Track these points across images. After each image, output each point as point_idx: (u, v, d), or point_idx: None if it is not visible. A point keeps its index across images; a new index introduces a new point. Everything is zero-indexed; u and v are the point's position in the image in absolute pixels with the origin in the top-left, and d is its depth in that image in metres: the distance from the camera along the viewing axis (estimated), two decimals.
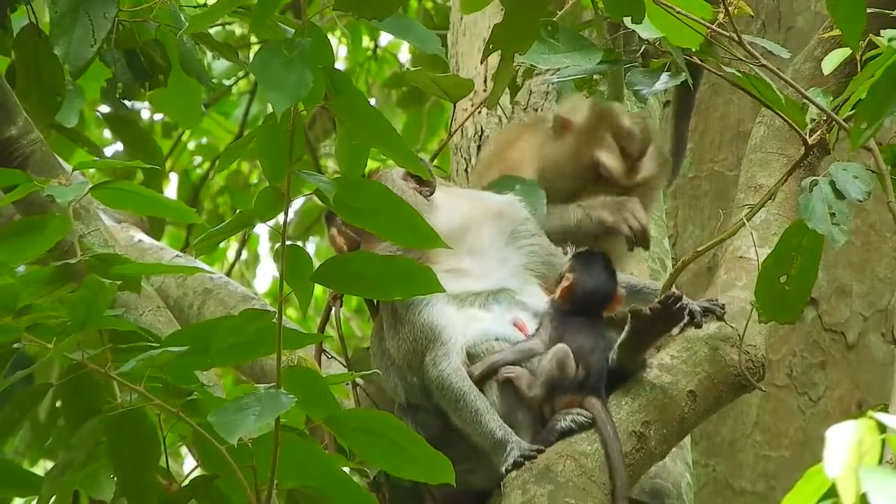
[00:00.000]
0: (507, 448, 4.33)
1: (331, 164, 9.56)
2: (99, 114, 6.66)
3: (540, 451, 4.32)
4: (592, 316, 4.53)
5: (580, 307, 4.52)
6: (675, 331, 4.50)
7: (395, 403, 4.65)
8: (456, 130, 5.69)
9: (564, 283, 4.54)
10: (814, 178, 4.30)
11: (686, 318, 4.47)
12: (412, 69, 5.38)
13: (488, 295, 4.59)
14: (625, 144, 4.95)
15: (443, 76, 5.33)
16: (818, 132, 4.47)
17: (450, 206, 4.70)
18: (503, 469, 4.32)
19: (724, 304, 4.54)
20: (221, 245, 9.55)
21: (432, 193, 4.70)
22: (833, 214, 4.20)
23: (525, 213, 4.73)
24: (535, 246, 4.69)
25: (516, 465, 4.30)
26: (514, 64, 4.51)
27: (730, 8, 4.29)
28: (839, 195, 4.23)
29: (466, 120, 5.67)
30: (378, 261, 3.61)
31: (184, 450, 5.67)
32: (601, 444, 4.31)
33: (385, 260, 3.63)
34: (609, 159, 4.94)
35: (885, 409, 4.28)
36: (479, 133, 5.76)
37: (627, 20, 4.09)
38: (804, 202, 4.23)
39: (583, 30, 4.74)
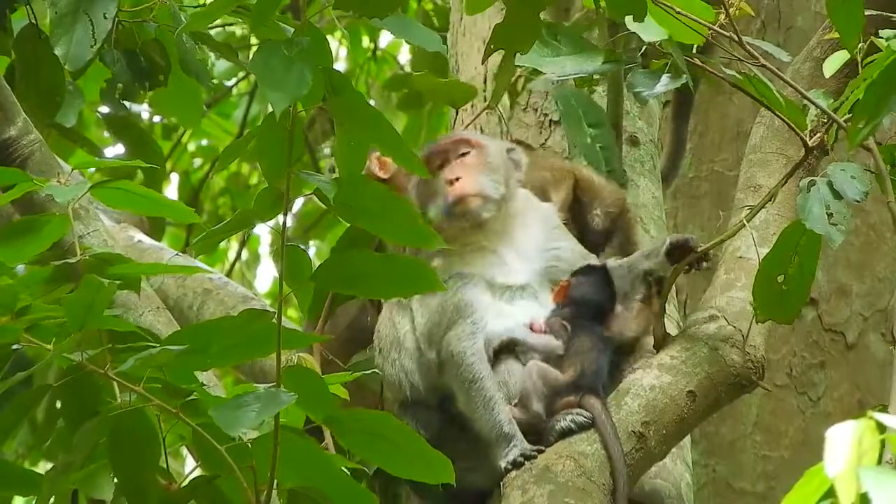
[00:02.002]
0: (510, 444, 4.34)
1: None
2: (99, 114, 6.65)
3: (540, 452, 4.33)
4: (593, 322, 4.54)
5: (578, 312, 4.53)
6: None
7: (396, 403, 4.66)
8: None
9: (562, 286, 4.58)
10: (811, 178, 4.30)
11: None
12: (417, 73, 5.38)
13: (517, 289, 4.61)
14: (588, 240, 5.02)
15: (447, 81, 5.33)
16: (818, 134, 4.47)
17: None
18: (502, 465, 4.32)
19: None
20: (221, 245, 9.55)
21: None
22: (831, 215, 4.20)
23: (557, 221, 4.76)
24: (561, 251, 4.70)
25: (515, 465, 4.31)
26: (516, 68, 4.52)
27: (731, 9, 4.29)
28: (837, 195, 4.23)
29: (471, 123, 5.67)
30: (378, 260, 3.61)
31: (184, 450, 5.67)
32: (601, 444, 4.31)
33: (385, 259, 3.63)
34: None
35: (884, 409, 4.28)
36: (479, 133, 5.76)
37: (629, 20, 4.09)
38: (802, 203, 4.23)
39: (584, 31, 4.74)
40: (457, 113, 5.51)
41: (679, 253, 4.47)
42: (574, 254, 4.71)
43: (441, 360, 4.50)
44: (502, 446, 4.36)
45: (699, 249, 4.48)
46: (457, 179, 4.58)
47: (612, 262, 4.66)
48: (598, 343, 4.49)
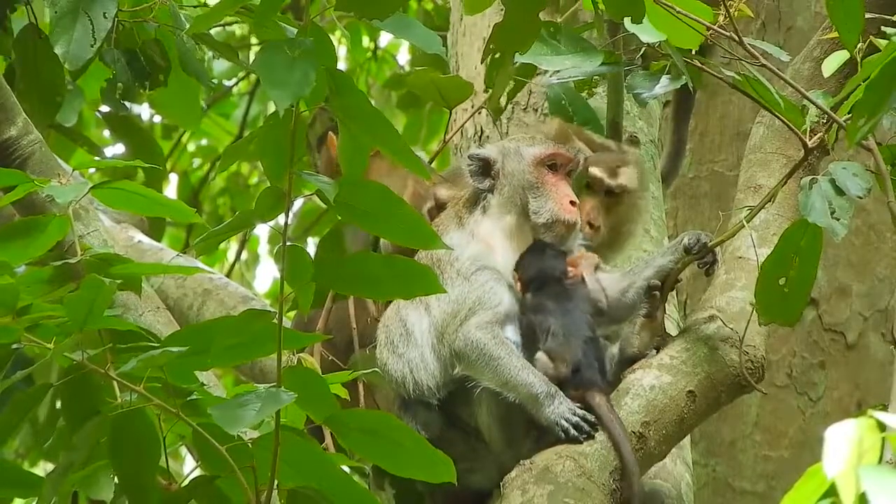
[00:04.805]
0: (555, 400, 4.34)
1: None
2: (99, 114, 6.66)
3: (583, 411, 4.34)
4: (560, 292, 4.52)
5: (540, 288, 4.52)
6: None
7: (395, 404, 4.65)
8: (456, 132, 5.69)
9: (516, 281, 4.57)
10: (813, 176, 4.30)
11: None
12: (413, 71, 5.38)
13: None
14: (600, 153, 4.96)
15: (444, 78, 5.32)
16: (818, 135, 4.47)
17: None
18: (554, 420, 4.31)
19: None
20: (221, 246, 9.55)
21: None
22: (833, 210, 4.21)
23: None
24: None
25: (568, 420, 4.31)
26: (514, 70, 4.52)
27: (731, 10, 4.29)
28: (839, 191, 4.23)
29: (466, 122, 5.67)
30: (379, 261, 3.61)
31: (184, 450, 5.67)
32: (612, 444, 4.29)
33: (386, 260, 3.63)
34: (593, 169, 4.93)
35: (884, 409, 4.28)
36: (479, 133, 5.77)
37: (628, 22, 4.09)
38: (804, 199, 4.23)
39: (583, 31, 4.74)
40: (450, 112, 5.51)
41: (697, 249, 4.51)
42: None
43: (455, 350, 4.48)
44: (546, 404, 4.35)
45: (709, 245, 4.50)
46: (573, 204, 4.64)
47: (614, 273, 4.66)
48: (570, 323, 4.46)
